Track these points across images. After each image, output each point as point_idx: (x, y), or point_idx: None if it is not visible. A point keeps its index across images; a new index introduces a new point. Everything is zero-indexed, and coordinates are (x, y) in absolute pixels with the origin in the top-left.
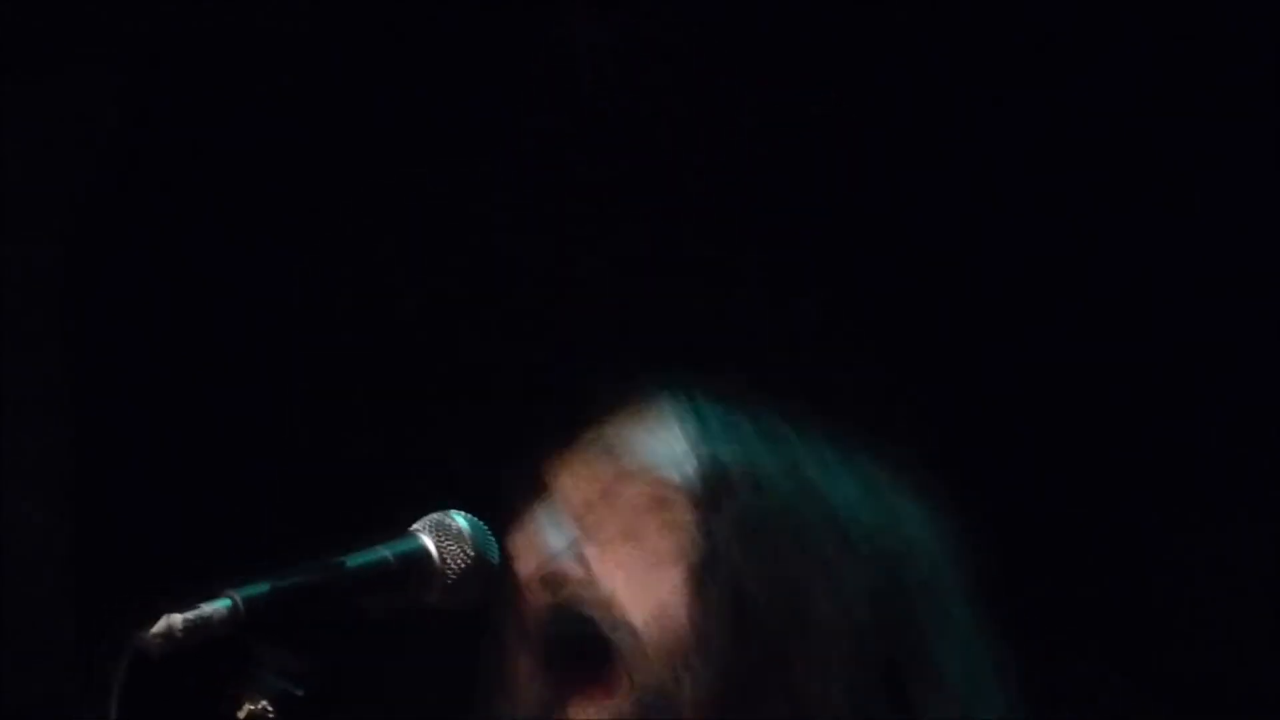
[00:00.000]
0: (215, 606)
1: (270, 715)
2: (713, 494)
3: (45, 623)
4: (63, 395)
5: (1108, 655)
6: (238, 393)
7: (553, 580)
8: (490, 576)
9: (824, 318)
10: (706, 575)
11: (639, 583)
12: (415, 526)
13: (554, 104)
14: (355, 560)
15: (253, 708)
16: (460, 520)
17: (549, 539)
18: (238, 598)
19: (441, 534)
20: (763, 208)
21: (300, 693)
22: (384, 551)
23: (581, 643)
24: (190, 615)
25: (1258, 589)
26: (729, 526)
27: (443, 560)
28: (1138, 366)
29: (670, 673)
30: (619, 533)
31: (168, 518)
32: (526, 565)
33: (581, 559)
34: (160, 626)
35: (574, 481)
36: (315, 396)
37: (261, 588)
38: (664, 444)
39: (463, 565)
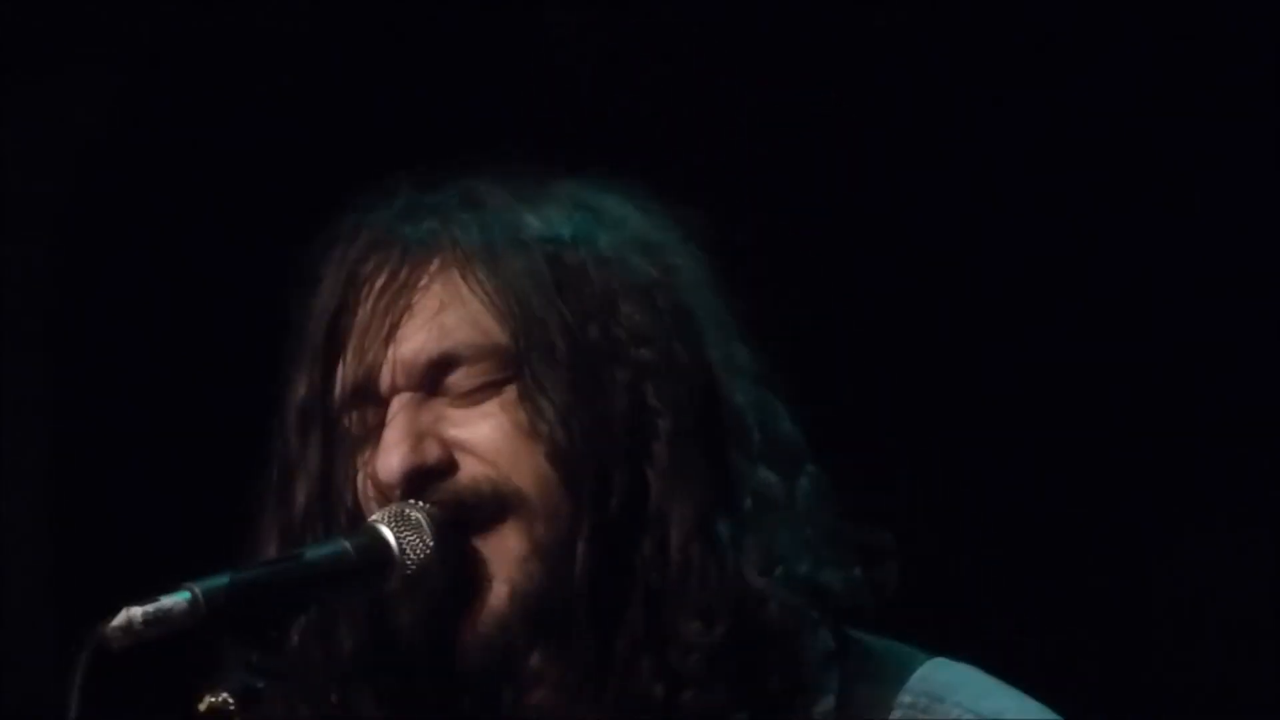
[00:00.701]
0: (174, 599)
1: (231, 708)
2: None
3: (27, 623)
4: (53, 395)
5: (1107, 655)
6: (229, 393)
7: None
8: (449, 567)
9: (824, 317)
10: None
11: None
12: (374, 517)
13: (553, 104)
14: (314, 552)
15: (213, 700)
16: (419, 512)
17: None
18: (197, 590)
19: (401, 525)
20: (763, 207)
21: (261, 685)
22: (343, 543)
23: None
24: (149, 608)
25: (1258, 589)
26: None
27: (402, 551)
28: (1137, 366)
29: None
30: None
31: (153, 518)
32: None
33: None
34: (120, 620)
35: None
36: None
37: (220, 580)
38: None
39: (422, 556)
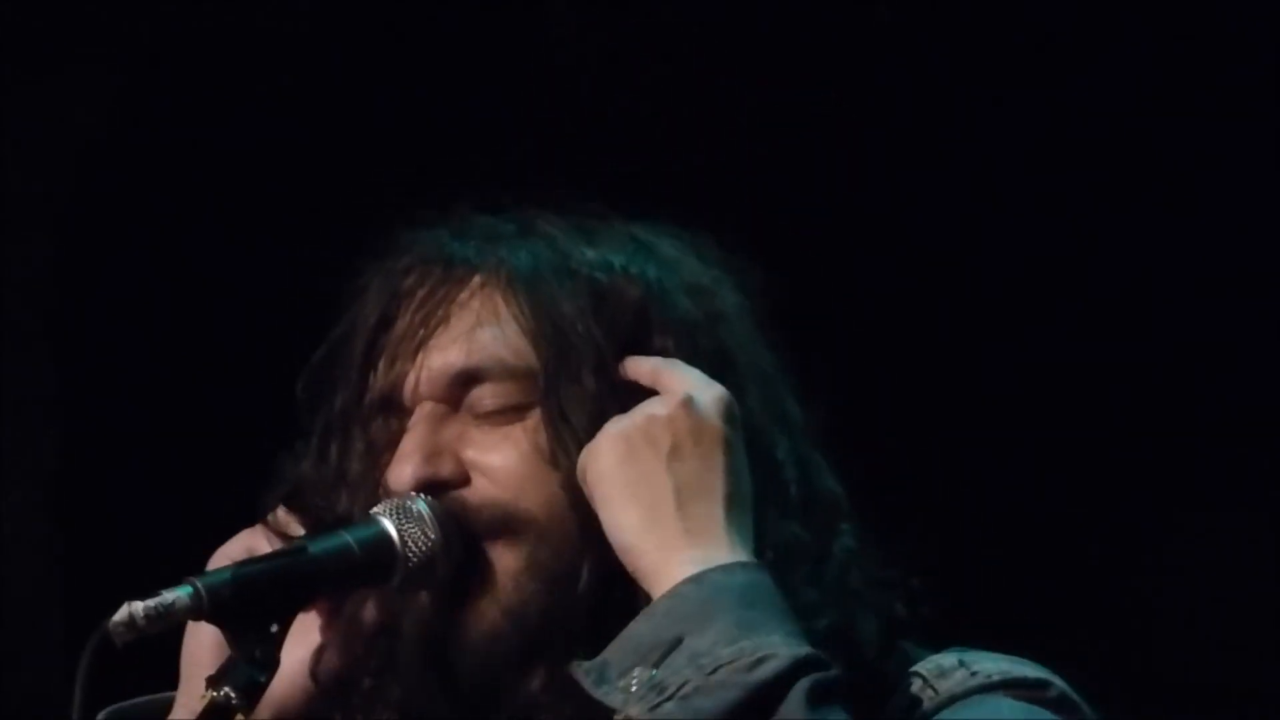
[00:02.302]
0: (177, 594)
1: (234, 702)
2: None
3: (32, 619)
4: (56, 393)
5: (1106, 655)
6: (231, 390)
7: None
8: (453, 560)
9: (825, 316)
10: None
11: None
12: (376, 510)
13: (553, 103)
14: (318, 545)
15: (216, 695)
16: (422, 504)
17: None
18: (199, 585)
19: (403, 517)
20: (764, 205)
21: (264, 679)
22: (346, 536)
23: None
24: (151, 603)
25: (1257, 590)
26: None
27: (404, 544)
28: (1138, 366)
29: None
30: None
31: (159, 515)
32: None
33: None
34: (122, 614)
35: None
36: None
37: (223, 574)
38: None
39: (424, 549)
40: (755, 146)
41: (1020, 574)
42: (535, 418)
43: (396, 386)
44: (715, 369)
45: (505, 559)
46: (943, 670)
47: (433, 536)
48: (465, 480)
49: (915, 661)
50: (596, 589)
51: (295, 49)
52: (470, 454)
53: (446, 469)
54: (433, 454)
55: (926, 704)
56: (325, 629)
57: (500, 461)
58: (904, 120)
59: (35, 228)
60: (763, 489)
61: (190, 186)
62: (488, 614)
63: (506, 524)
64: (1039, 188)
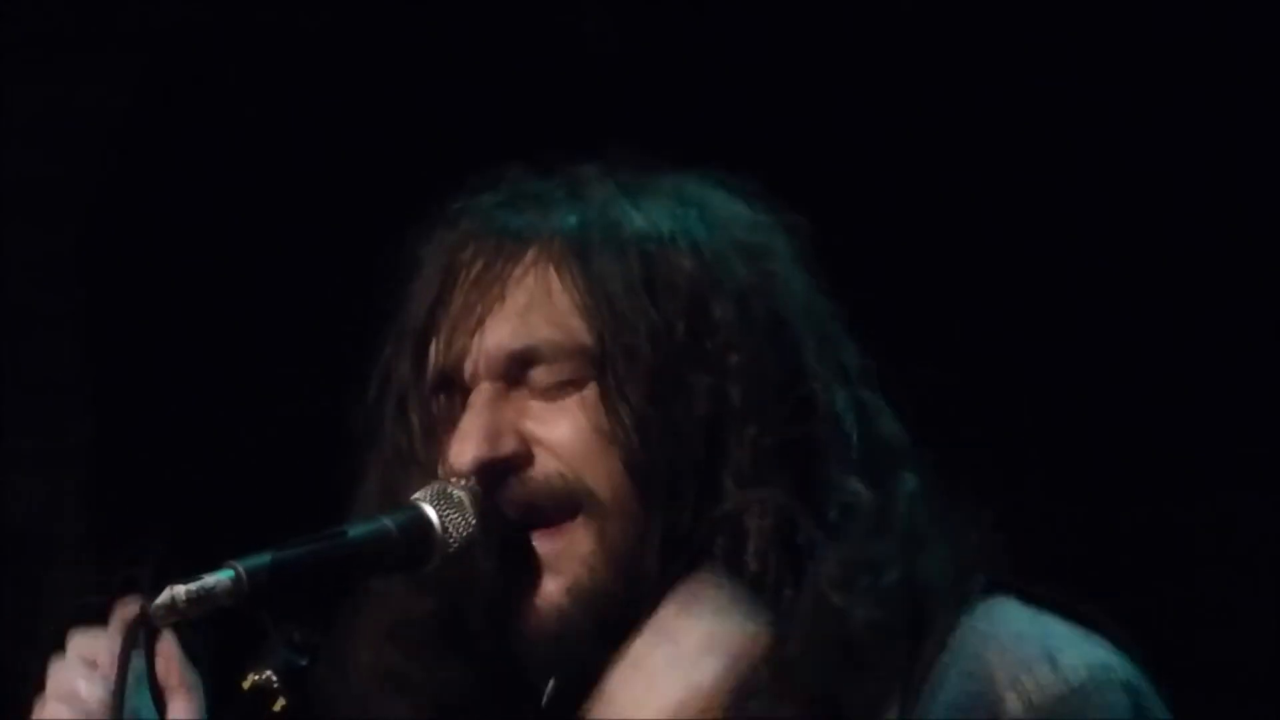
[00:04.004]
0: (218, 577)
1: (275, 686)
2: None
3: (67, 599)
4: (85, 378)
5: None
6: (263, 373)
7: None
8: (491, 548)
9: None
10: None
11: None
12: (416, 496)
13: (565, 99)
14: (358, 530)
15: (257, 678)
16: (462, 491)
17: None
18: (240, 568)
19: (443, 503)
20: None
21: (305, 663)
22: (386, 521)
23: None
24: (193, 586)
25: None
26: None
27: (444, 530)
28: (1139, 365)
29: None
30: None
31: (185, 497)
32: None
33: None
34: (163, 598)
35: None
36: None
37: (263, 558)
38: None
39: (465, 534)
40: (763, 138)
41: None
42: (593, 391)
43: (455, 366)
44: (771, 335)
45: (574, 541)
46: (1029, 666)
47: (473, 522)
48: (528, 458)
49: (987, 619)
50: (661, 570)
51: (320, 32)
52: (530, 428)
53: (508, 447)
54: (493, 433)
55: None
56: (373, 615)
57: (560, 434)
58: (936, 116)
59: (62, 212)
60: (824, 446)
61: (214, 168)
62: (553, 596)
63: (572, 503)
64: (1039, 186)
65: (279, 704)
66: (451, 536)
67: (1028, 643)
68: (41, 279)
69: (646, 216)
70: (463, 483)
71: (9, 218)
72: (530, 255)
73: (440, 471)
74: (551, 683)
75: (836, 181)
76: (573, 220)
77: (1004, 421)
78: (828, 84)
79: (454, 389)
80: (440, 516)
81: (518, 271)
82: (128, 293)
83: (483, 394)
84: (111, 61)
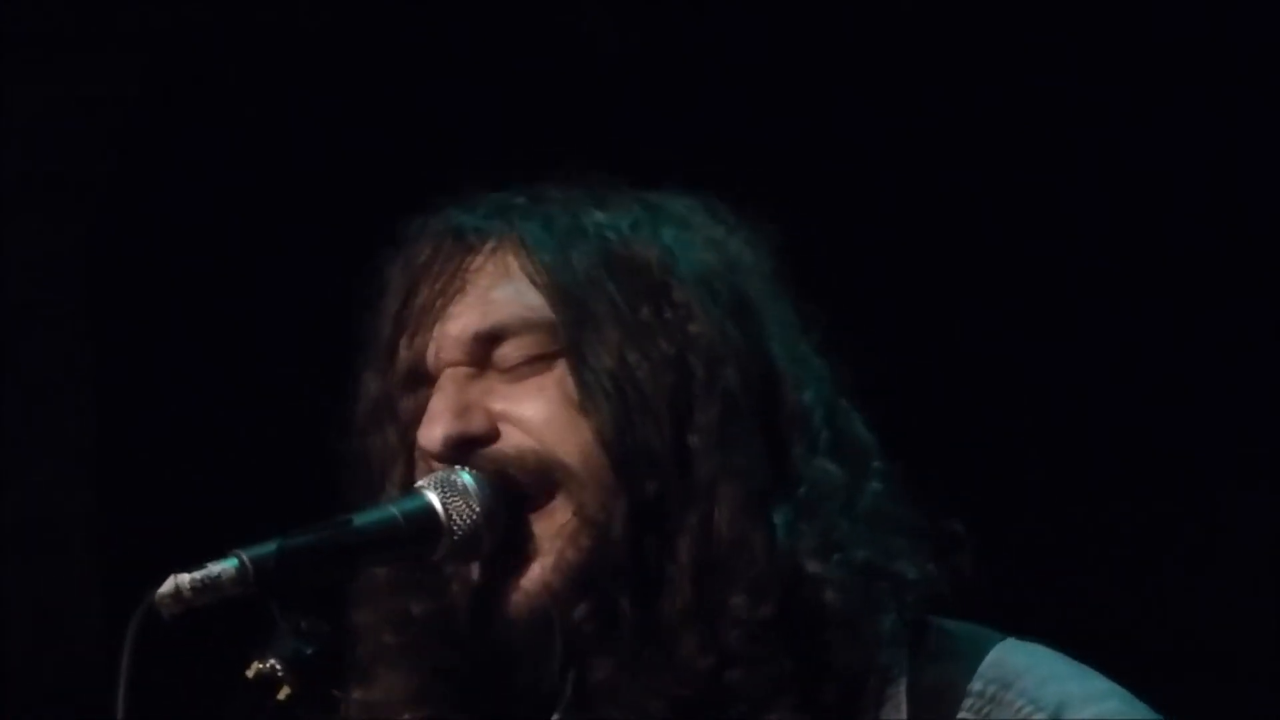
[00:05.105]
0: (223, 566)
1: (280, 675)
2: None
3: (75, 595)
4: (91, 370)
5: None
6: (267, 367)
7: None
8: (496, 532)
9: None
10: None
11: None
12: (421, 483)
13: (565, 99)
14: (363, 519)
15: (261, 667)
16: (466, 476)
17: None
18: (245, 557)
19: (447, 490)
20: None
21: (310, 651)
22: (391, 509)
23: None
24: (198, 575)
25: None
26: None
27: (449, 517)
28: (1139, 365)
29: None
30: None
31: (191, 490)
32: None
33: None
34: (168, 587)
35: None
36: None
37: (269, 547)
38: None
39: (469, 521)
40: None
41: (1018, 574)
42: (561, 367)
43: (419, 358)
44: (735, 315)
45: (556, 517)
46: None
47: (477, 509)
48: (496, 434)
49: (943, 635)
50: (633, 529)
51: (320, 32)
52: (499, 407)
53: (476, 424)
54: (461, 410)
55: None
56: (370, 604)
57: (530, 412)
58: (939, 118)
59: (62, 211)
60: (791, 429)
61: (214, 167)
62: (541, 573)
63: (543, 473)
64: (1038, 186)
65: (284, 692)
66: (456, 524)
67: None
68: (43, 278)
69: (608, 213)
70: (466, 468)
71: (10, 217)
72: (489, 246)
73: (414, 463)
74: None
75: (836, 181)
76: (534, 216)
77: (1004, 421)
78: (828, 84)
79: (421, 382)
80: (444, 504)
81: (477, 261)
82: (129, 291)
83: (449, 378)
84: (111, 61)
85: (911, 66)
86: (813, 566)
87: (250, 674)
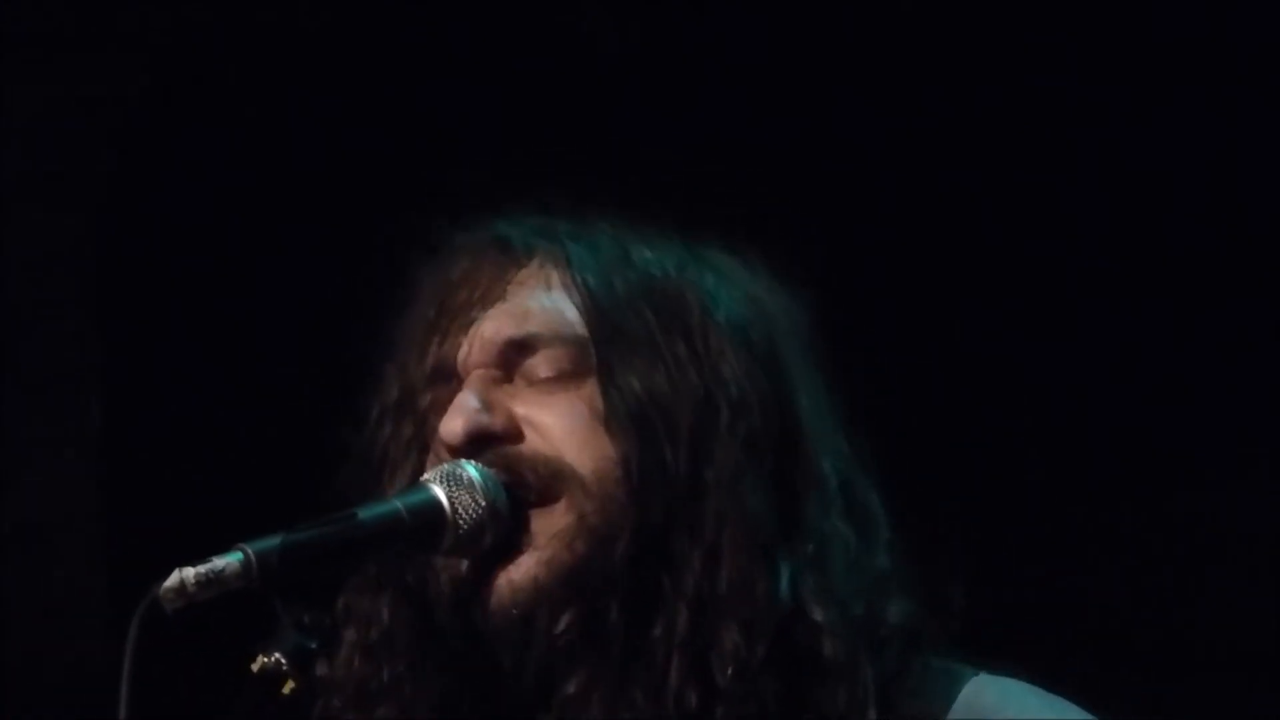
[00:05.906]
0: (227, 560)
1: (284, 668)
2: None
3: (80, 589)
4: (98, 363)
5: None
6: (275, 361)
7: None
8: (501, 527)
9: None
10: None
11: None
12: (426, 477)
13: (565, 99)
14: (368, 513)
15: (266, 660)
16: (471, 470)
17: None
18: (249, 551)
19: (453, 484)
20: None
21: (314, 645)
22: (396, 503)
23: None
24: (202, 569)
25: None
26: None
27: (454, 511)
28: (1139, 365)
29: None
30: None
31: (196, 486)
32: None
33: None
34: (172, 581)
35: None
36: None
37: (273, 541)
38: None
39: (474, 515)
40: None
41: (1014, 573)
42: (590, 386)
43: (449, 357)
44: (766, 368)
45: (556, 519)
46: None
47: (483, 503)
48: (518, 435)
49: (926, 672)
50: (636, 548)
51: (320, 32)
52: (523, 411)
53: (499, 422)
54: (485, 407)
55: None
56: (365, 598)
57: (553, 421)
58: (939, 121)
59: (63, 211)
60: (806, 486)
61: (215, 167)
62: (532, 567)
63: (555, 480)
64: (1038, 185)
65: (288, 687)
66: (462, 518)
67: None
68: (43, 278)
69: (655, 252)
70: (474, 462)
71: (11, 217)
72: (535, 260)
73: (430, 456)
74: None
75: (836, 181)
76: (580, 239)
77: (1004, 421)
78: (828, 84)
79: (448, 379)
80: (450, 498)
81: (520, 274)
82: (129, 291)
83: (477, 377)
84: (111, 61)
85: (911, 66)
86: (812, 615)
87: (255, 668)
